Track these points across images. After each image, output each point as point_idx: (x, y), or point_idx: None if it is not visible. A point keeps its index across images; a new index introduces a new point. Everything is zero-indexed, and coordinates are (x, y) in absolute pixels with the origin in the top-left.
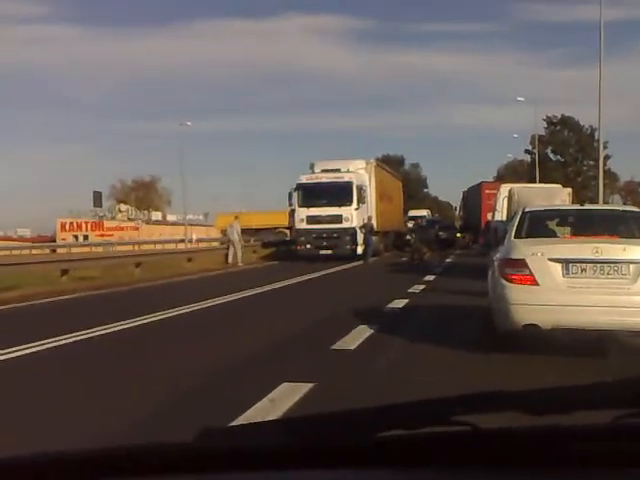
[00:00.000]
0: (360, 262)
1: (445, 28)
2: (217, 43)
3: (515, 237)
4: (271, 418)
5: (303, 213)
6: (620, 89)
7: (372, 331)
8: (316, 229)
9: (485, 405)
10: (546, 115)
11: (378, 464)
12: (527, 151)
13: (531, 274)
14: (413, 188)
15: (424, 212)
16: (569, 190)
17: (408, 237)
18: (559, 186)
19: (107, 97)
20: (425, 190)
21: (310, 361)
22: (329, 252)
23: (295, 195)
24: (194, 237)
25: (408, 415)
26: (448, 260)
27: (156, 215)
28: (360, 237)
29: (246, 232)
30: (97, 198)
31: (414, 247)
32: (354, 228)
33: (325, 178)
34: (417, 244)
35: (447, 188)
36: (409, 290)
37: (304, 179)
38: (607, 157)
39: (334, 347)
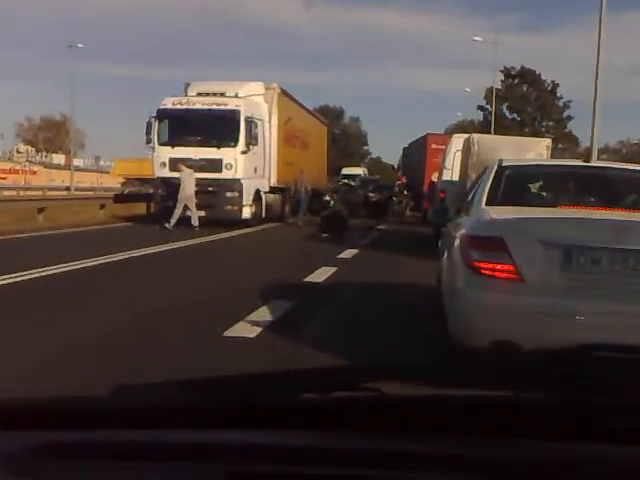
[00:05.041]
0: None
1: None
2: None
3: (488, 204)
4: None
5: (165, 154)
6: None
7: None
8: None
9: (392, 374)
10: (504, 66)
11: (289, 427)
12: (480, 107)
13: (512, 262)
14: (352, 144)
15: (360, 170)
16: (548, 142)
17: (328, 198)
18: (534, 138)
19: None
20: (365, 147)
21: None
22: (201, 214)
23: (155, 127)
24: None
25: (318, 380)
26: (381, 227)
27: (59, 159)
28: (250, 194)
29: (149, 183)
30: None
31: (329, 212)
32: (239, 180)
33: (200, 104)
34: (337, 208)
35: (390, 149)
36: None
37: (169, 104)
38: (569, 118)
39: None
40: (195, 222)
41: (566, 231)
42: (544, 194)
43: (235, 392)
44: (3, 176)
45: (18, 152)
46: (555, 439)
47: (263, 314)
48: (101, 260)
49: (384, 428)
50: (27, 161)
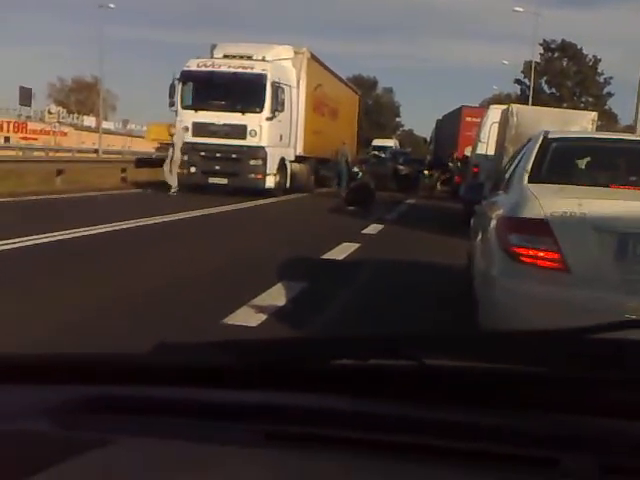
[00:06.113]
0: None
1: None
2: None
3: (530, 180)
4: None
5: (188, 118)
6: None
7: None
8: (206, 144)
9: (434, 344)
10: (543, 39)
11: (325, 391)
12: (517, 81)
13: (557, 249)
14: (384, 115)
15: (391, 142)
16: (594, 115)
17: (356, 169)
18: (578, 111)
19: None
20: (397, 119)
21: None
22: (224, 182)
23: (178, 89)
24: None
25: (358, 346)
26: (410, 201)
27: (90, 121)
28: (274, 162)
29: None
30: (25, 96)
31: (356, 184)
32: (263, 148)
33: (225, 66)
34: (364, 180)
35: (423, 122)
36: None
37: (193, 65)
38: (609, 95)
39: None
40: (174, 184)
41: (622, 216)
42: (596, 172)
43: (272, 355)
44: (34, 137)
45: (50, 113)
46: (562, 412)
47: (270, 297)
48: (103, 229)
49: (422, 397)
50: (58, 122)
